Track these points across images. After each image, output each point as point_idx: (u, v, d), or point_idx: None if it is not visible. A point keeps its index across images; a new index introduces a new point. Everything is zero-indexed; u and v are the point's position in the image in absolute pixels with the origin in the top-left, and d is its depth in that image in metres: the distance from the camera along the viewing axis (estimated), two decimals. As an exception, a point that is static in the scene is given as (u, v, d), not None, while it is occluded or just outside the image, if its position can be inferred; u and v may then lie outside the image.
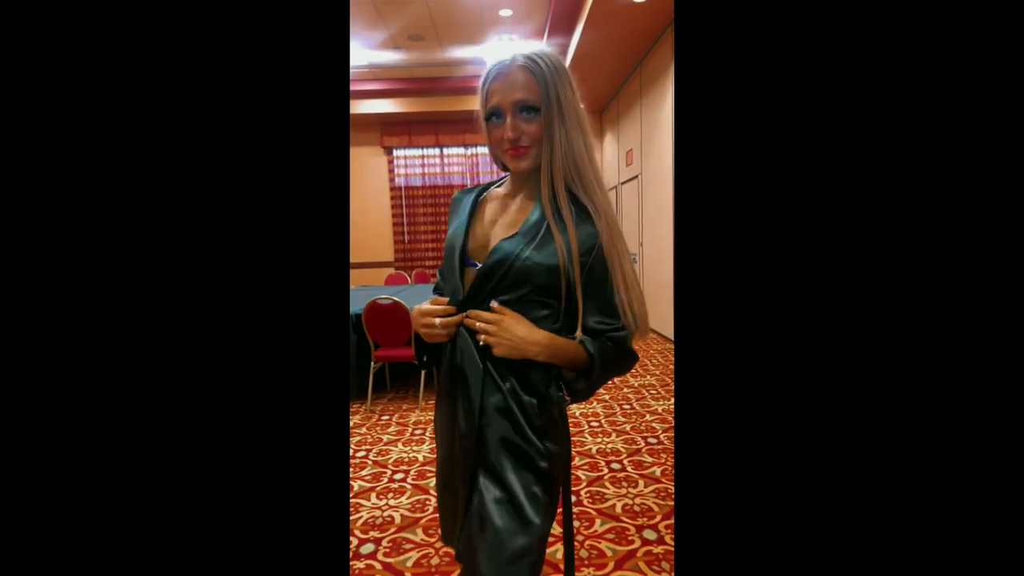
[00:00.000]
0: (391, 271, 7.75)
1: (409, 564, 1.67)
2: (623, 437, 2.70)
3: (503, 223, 0.84)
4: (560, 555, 1.69)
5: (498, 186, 0.92)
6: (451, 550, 0.93)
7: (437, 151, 7.91)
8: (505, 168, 0.87)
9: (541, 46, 0.78)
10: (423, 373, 3.45)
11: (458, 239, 0.85)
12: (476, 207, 0.89)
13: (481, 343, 0.78)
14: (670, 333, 5.01)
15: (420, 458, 2.53)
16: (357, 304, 3.31)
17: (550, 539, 0.90)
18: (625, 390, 3.54)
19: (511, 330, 0.76)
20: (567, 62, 5.81)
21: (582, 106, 0.81)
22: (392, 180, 8.02)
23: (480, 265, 0.80)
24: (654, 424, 2.87)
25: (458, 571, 0.92)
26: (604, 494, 2.10)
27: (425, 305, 0.84)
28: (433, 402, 0.90)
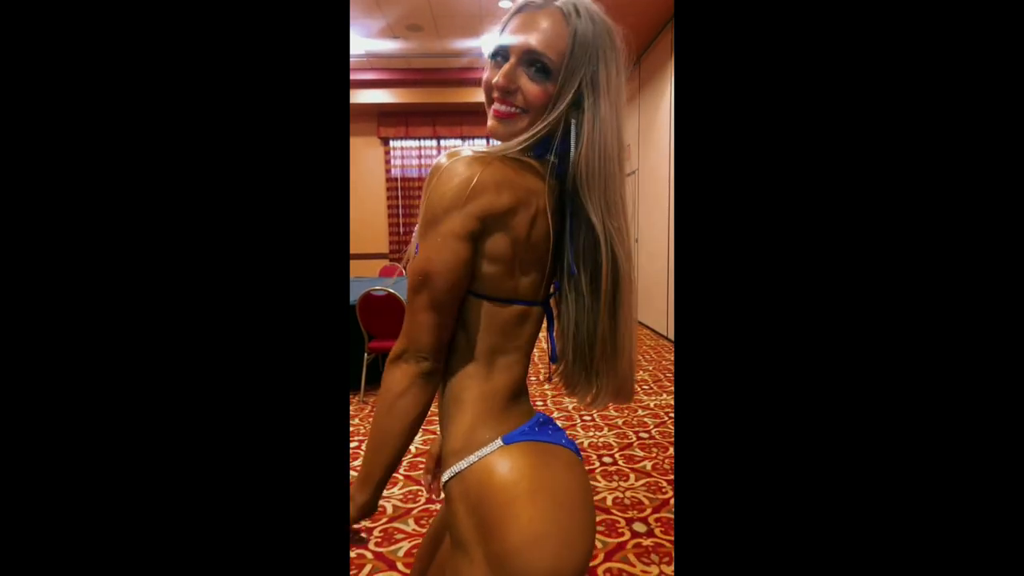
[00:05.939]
0: (385, 262, 7.73)
1: (400, 554, 1.68)
2: (615, 431, 2.72)
3: None
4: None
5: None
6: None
7: (434, 143, 7.87)
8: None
9: (593, 5, 0.60)
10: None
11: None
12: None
13: None
14: (663, 329, 5.03)
15: (412, 449, 2.53)
16: (351, 295, 3.30)
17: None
18: (618, 385, 3.56)
19: None
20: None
21: (624, 96, 0.62)
22: (388, 171, 7.97)
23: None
24: (646, 419, 2.89)
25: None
26: (595, 487, 2.11)
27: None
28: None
